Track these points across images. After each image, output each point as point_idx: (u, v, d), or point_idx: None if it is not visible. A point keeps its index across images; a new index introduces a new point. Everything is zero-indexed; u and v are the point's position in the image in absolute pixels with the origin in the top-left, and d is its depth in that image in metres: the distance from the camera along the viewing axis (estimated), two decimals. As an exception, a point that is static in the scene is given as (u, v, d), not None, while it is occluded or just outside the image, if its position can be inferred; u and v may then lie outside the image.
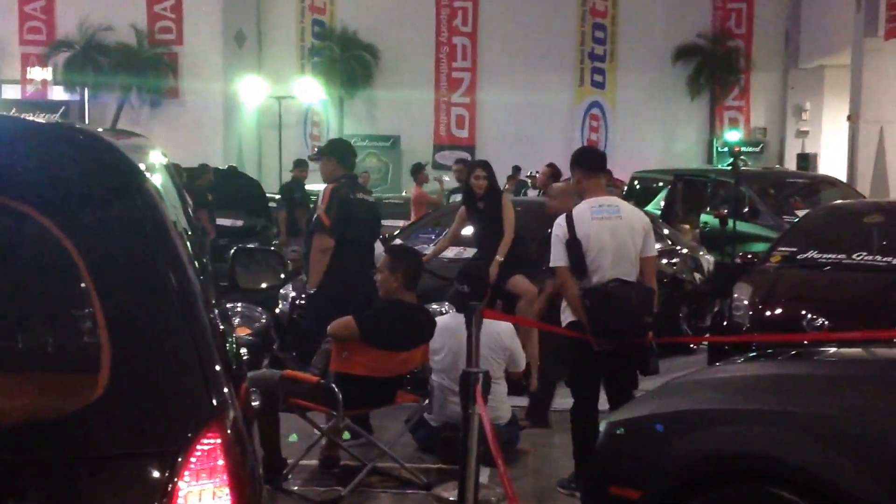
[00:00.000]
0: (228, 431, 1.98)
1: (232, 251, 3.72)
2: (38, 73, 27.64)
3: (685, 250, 10.35)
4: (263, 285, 3.84)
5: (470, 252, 8.31)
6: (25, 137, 2.11)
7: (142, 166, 2.18)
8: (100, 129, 2.36)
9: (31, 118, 2.27)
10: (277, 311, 8.39)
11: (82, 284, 1.96)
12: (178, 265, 2.07)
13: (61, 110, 27.13)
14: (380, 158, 27.99)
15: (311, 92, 27.20)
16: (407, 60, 27.70)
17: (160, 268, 2.03)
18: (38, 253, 2.04)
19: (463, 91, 28.49)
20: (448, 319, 6.35)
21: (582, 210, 5.53)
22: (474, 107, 28.50)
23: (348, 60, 27.40)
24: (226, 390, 2.03)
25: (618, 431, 3.70)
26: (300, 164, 15.12)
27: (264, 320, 6.97)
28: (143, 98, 27.83)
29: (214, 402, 1.99)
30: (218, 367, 2.03)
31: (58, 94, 28.18)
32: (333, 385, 5.39)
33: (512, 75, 27.47)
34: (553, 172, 10.15)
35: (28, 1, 28.12)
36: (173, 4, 28.17)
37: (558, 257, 5.50)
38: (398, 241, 10.21)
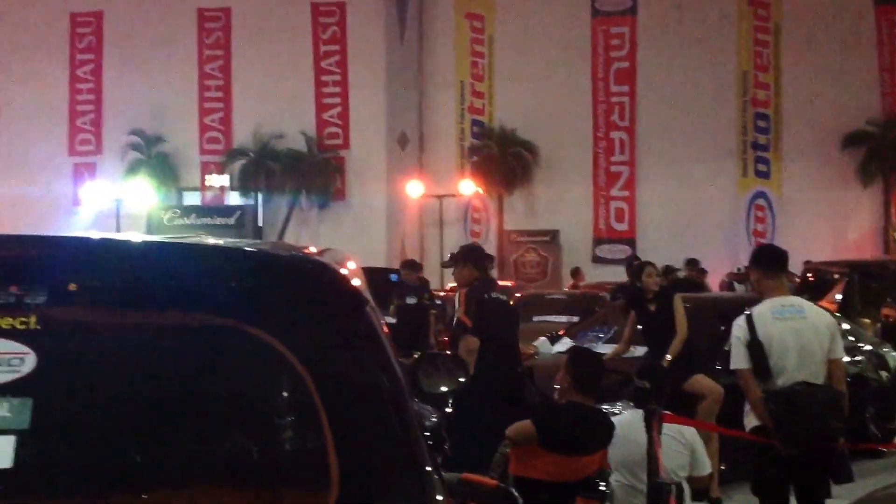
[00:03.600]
0: None
1: (416, 356, 3.81)
2: (217, 180, 29.20)
3: (868, 346, 9.94)
4: (444, 389, 3.89)
5: (639, 350, 8.20)
6: (259, 266, 2.21)
7: (357, 282, 2.28)
8: (313, 249, 2.50)
9: (265, 248, 2.41)
10: (448, 410, 8.44)
11: (310, 402, 2.04)
12: (395, 380, 2.14)
13: (237, 214, 28.63)
14: (539, 253, 28.08)
15: (470, 190, 27.70)
16: (564, 156, 27.93)
17: (381, 385, 2.10)
18: (266, 373, 2.12)
19: (621, 184, 28.44)
20: (626, 417, 6.26)
21: (762, 310, 5.42)
22: (633, 200, 28.36)
23: (507, 158, 27.83)
24: (440, 497, 2.09)
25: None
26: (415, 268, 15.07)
27: (435, 419, 7.02)
28: (311, 200, 28.97)
29: None
30: (435, 478, 2.10)
31: (234, 199, 29.66)
32: (513, 490, 5.39)
33: (671, 167, 27.27)
34: None
35: (207, 113, 29.94)
36: (340, 111, 29.46)
37: (739, 359, 5.40)
38: (566, 340, 10.17)
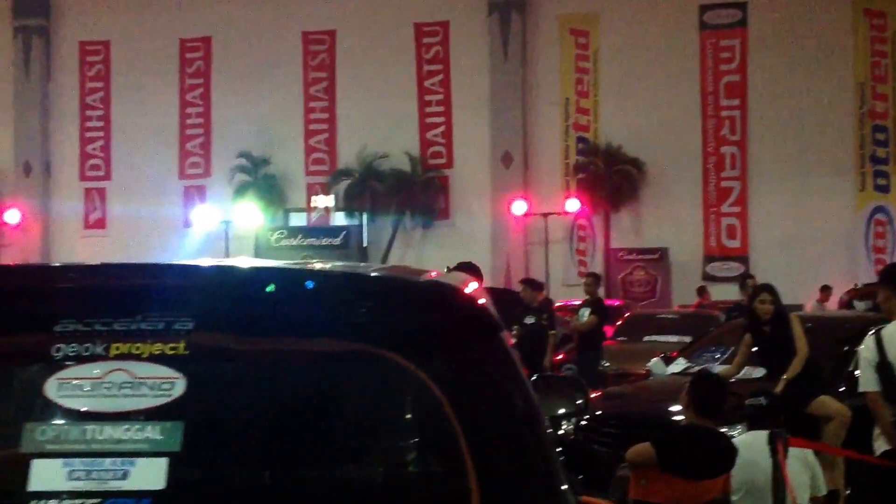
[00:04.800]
0: None
1: (532, 378, 3.66)
2: (322, 201, 29.58)
3: None
4: (561, 411, 3.79)
5: (755, 371, 7.96)
6: (397, 291, 2.25)
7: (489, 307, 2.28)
8: (434, 272, 2.50)
9: (400, 273, 2.47)
10: (561, 432, 8.25)
11: (448, 427, 2.03)
12: (531, 403, 2.15)
13: (342, 235, 28.93)
14: (647, 272, 27.58)
15: (576, 207, 27.42)
16: (673, 172, 27.41)
17: (519, 407, 2.11)
18: (405, 398, 2.17)
19: (733, 200, 27.74)
20: (746, 439, 5.99)
21: (892, 331, 5.13)
22: (746, 216, 27.63)
23: (613, 175, 27.47)
24: None
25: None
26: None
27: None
28: (415, 220, 29.10)
29: None
30: (572, 499, 2.10)
31: (339, 219, 29.99)
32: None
33: (785, 182, 26.51)
34: None
35: (313, 134, 30.39)
36: (444, 131, 29.55)
37: (868, 381, 5.14)
38: (680, 360, 9.87)
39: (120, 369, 2.01)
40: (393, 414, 2.20)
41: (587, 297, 14.31)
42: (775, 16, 27.18)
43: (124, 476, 1.92)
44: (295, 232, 29.44)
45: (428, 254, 27.44)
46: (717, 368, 8.22)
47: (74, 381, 1.99)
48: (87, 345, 2.02)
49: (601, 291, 15.68)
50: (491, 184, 28.65)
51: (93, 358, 2.02)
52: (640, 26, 27.70)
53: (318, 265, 2.44)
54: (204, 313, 2.06)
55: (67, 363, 2.01)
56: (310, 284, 2.20)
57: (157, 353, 2.01)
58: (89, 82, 31.88)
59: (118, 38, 31.16)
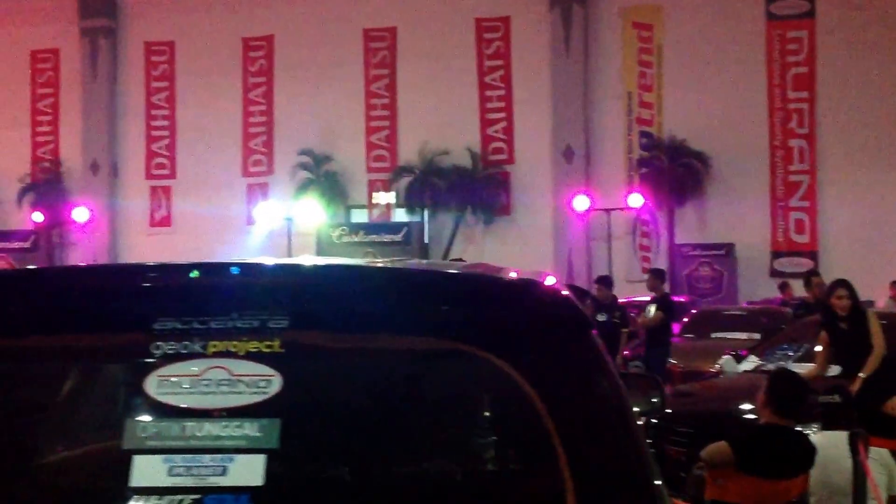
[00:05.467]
0: None
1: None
2: (383, 198, 29.68)
3: None
4: (636, 410, 3.77)
5: (831, 369, 7.81)
6: (488, 290, 2.26)
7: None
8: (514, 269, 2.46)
9: (488, 271, 2.45)
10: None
11: (541, 424, 2.03)
12: (623, 399, 2.16)
13: (403, 231, 29.01)
14: (713, 267, 27.21)
15: (639, 203, 27.15)
16: (739, 166, 26.98)
17: (611, 404, 2.11)
18: (497, 396, 2.18)
19: (801, 194, 27.24)
20: (823, 438, 5.87)
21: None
22: (815, 210, 27.12)
23: (677, 169, 27.15)
24: None
25: None
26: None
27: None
28: (477, 216, 29.05)
29: None
30: (665, 494, 2.09)
31: (400, 215, 30.07)
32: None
33: (855, 175, 25.94)
34: None
35: (374, 131, 30.51)
36: (505, 126, 29.46)
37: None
38: (752, 358, 9.72)
39: (218, 367, 2.03)
40: (485, 411, 2.21)
41: (652, 293, 14.18)
42: (844, 6, 26.63)
43: (223, 472, 1.94)
44: (356, 229, 29.58)
45: (489, 250, 27.37)
46: (798, 368, 8.07)
47: (173, 379, 2.02)
48: (185, 343, 2.05)
49: (666, 287, 15.45)
50: (552, 179, 28.48)
51: (191, 356, 2.04)
52: (705, 18, 27.33)
53: (413, 263, 2.45)
54: (298, 311, 2.08)
55: (166, 361, 2.04)
56: (402, 283, 2.24)
57: (254, 350, 2.03)
58: (154, 82, 32.36)
59: (182, 39, 31.58)
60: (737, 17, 27.26)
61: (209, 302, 2.09)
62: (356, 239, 28.52)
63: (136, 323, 2.08)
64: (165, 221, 32.26)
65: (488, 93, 29.55)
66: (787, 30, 27.31)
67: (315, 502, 2.02)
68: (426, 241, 29.22)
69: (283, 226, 28.79)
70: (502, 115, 29.49)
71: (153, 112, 32.43)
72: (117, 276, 2.21)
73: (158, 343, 2.05)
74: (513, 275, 2.39)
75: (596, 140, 28.80)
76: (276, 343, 2.04)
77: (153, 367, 2.03)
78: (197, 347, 2.04)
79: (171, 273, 2.22)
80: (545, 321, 2.14)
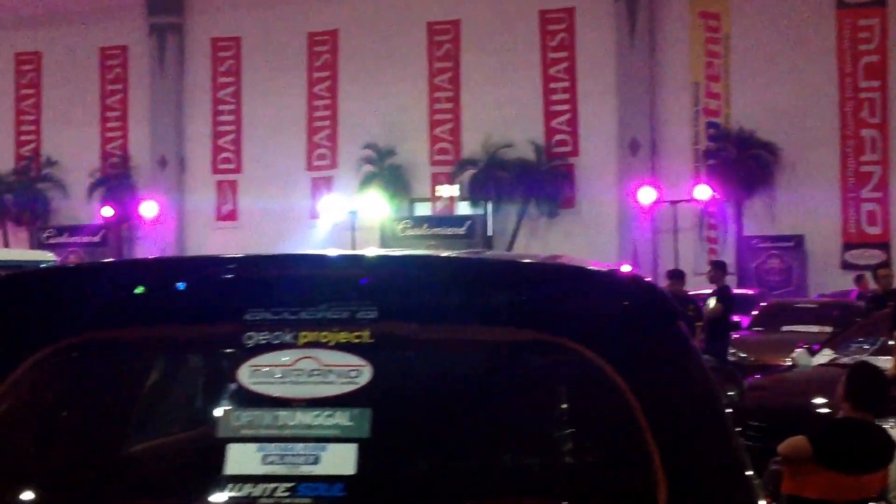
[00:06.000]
0: None
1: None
2: (447, 191, 29.73)
3: None
4: None
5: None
6: (578, 281, 2.26)
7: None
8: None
9: (583, 265, 2.44)
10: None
11: (631, 415, 2.02)
12: (713, 390, 2.13)
13: (467, 224, 29.02)
14: (782, 259, 26.78)
15: (706, 195, 26.81)
16: (809, 157, 26.48)
17: (701, 396, 2.09)
18: (586, 387, 2.15)
19: (873, 185, 26.67)
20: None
21: None
22: (887, 201, 26.52)
23: (746, 160, 26.74)
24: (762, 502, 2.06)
25: None
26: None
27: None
28: (541, 209, 28.95)
29: None
30: (756, 482, 2.06)
31: (463, 209, 30.08)
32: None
33: (929, 166, 25.37)
34: None
35: (437, 125, 30.55)
36: (569, 119, 29.30)
37: None
38: (826, 351, 9.55)
39: (308, 357, 2.05)
40: (574, 403, 2.20)
41: (712, 285, 14.13)
42: (917, -8, 26.02)
43: (316, 461, 1.95)
44: (420, 222, 29.66)
45: (553, 243, 27.26)
46: (874, 361, 7.89)
47: (265, 369, 2.04)
48: (276, 333, 2.07)
49: (730, 280, 15.31)
50: (617, 171, 28.27)
51: (282, 346, 2.06)
52: (774, 6, 26.88)
53: (503, 257, 2.44)
54: (387, 302, 2.09)
55: (258, 351, 2.05)
56: (490, 274, 2.24)
57: (344, 341, 2.05)
58: (221, 77, 32.79)
59: (248, 34, 31.93)
60: (806, 4, 26.78)
61: (300, 293, 2.10)
62: (420, 232, 28.60)
63: (229, 314, 2.10)
64: (231, 216, 32.68)
65: (552, 85, 29.40)
66: (857, 18, 26.74)
67: (405, 491, 2.02)
68: (489, 234, 29.17)
69: (346, 219, 28.97)
70: (566, 107, 29.32)
71: (219, 107, 32.85)
72: (210, 267, 2.24)
73: (250, 333, 2.07)
74: (598, 266, 2.38)
75: (661, 131, 28.50)
76: (366, 334, 2.06)
77: (245, 357, 2.05)
78: (287, 338, 2.06)
79: (262, 264, 2.24)
80: (636, 311, 2.12)
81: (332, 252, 2.27)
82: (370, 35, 30.29)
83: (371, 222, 28.93)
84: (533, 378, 2.19)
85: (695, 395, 2.09)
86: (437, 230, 28.57)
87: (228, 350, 2.09)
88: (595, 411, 2.16)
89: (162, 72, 32.71)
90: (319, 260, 2.24)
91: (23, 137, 34.33)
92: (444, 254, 2.45)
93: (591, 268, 2.35)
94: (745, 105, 27.13)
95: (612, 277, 2.29)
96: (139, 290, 2.16)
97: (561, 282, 2.22)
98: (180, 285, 2.17)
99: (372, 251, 2.51)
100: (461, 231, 28.52)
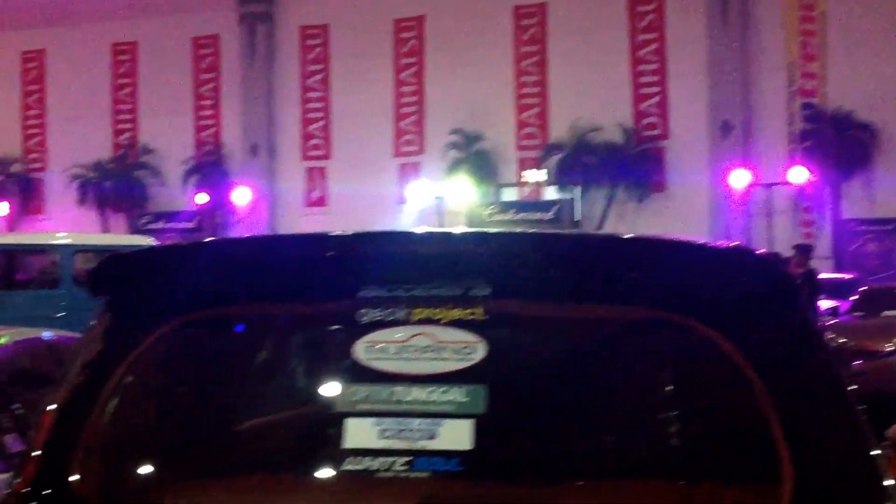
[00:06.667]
0: None
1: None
2: (534, 175, 29.59)
3: None
4: None
5: None
6: (701, 258, 2.21)
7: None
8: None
9: (705, 242, 2.38)
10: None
11: (754, 396, 1.98)
12: (837, 372, 2.08)
13: (554, 209, 28.87)
14: (882, 243, 26.02)
15: (802, 177, 26.17)
16: (910, 136, 25.69)
17: (827, 376, 2.05)
18: (707, 366, 2.10)
19: (979, 167, 25.73)
20: None
21: None
22: None
23: (843, 141, 26.03)
24: (889, 482, 2.00)
25: None
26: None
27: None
28: (629, 193, 28.64)
29: None
30: (882, 463, 2.00)
31: (550, 193, 29.92)
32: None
33: None
34: None
35: (524, 109, 30.42)
36: (658, 101, 28.88)
37: None
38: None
39: (422, 333, 2.05)
40: (692, 383, 2.14)
41: (798, 269, 13.80)
42: None
43: (432, 436, 1.96)
44: (507, 207, 29.61)
45: (642, 227, 26.93)
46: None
47: (380, 345, 2.05)
48: (390, 310, 2.08)
49: (826, 264, 14.91)
50: (709, 154, 27.80)
51: (395, 323, 2.07)
52: (873, -17, 26.07)
53: (622, 234, 2.41)
54: (501, 280, 2.09)
55: (372, 328, 2.07)
56: (607, 252, 2.22)
57: (457, 318, 2.05)
58: (310, 65, 33.17)
59: (336, 22, 32.23)
60: (907, -22, 25.92)
61: (413, 270, 2.11)
62: (506, 217, 28.57)
63: (343, 291, 2.12)
64: (320, 201, 33.08)
65: (641, 67, 29.02)
66: (961, -10, 25.79)
67: (521, 468, 2.02)
68: (577, 219, 28.98)
69: (433, 204, 29.08)
70: (656, 89, 28.91)
71: (308, 94, 33.25)
72: (325, 244, 2.25)
73: (364, 310, 2.08)
74: (716, 243, 2.33)
75: (755, 113, 27.93)
76: (480, 311, 2.06)
77: (359, 333, 2.06)
78: (401, 315, 2.07)
79: (376, 241, 2.25)
80: (760, 289, 2.07)
81: (446, 229, 2.29)
82: (456, 20, 30.27)
83: (457, 208, 28.99)
84: (650, 357, 2.15)
85: (821, 373, 2.04)
86: (523, 215, 28.50)
87: (342, 327, 2.11)
88: (714, 391, 2.11)
89: (252, 60, 33.24)
90: (433, 237, 2.23)
91: (120, 126, 35.26)
92: (558, 231, 2.43)
93: (714, 244, 2.31)
94: (842, 85, 26.36)
95: (735, 254, 2.24)
96: (257, 267, 2.19)
97: (681, 259, 2.17)
98: (297, 263, 2.19)
99: (482, 229, 2.51)
100: (548, 216, 28.40)
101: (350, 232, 2.23)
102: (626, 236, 2.32)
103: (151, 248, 2.36)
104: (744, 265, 2.15)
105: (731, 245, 2.31)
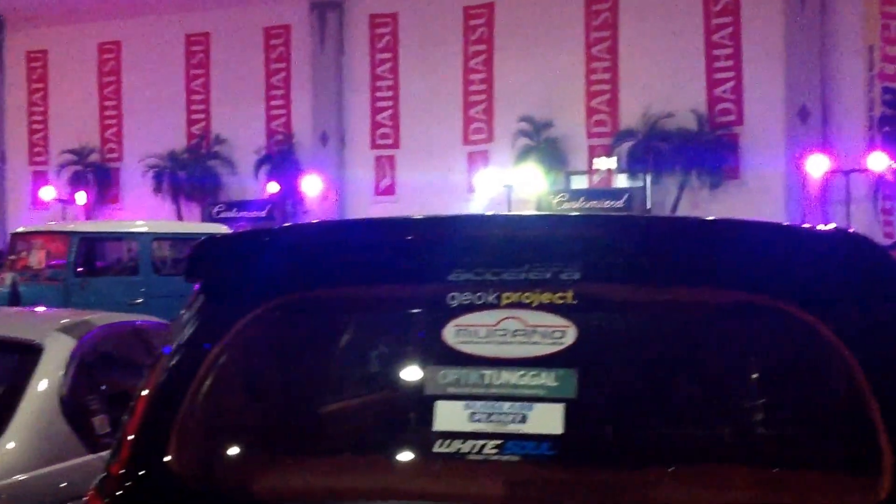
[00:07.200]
0: None
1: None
2: (604, 163, 29.31)
3: None
4: None
5: None
6: (800, 242, 2.19)
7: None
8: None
9: (804, 225, 2.35)
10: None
11: (854, 384, 1.94)
12: None
13: (625, 197, 28.60)
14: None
15: (882, 164, 25.53)
16: None
17: None
18: (805, 353, 2.08)
19: None
20: None
21: None
22: None
23: (925, 127, 25.36)
24: None
25: None
26: None
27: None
28: (702, 180, 28.22)
29: None
30: None
31: (621, 181, 29.64)
32: None
33: None
34: None
35: (594, 96, 30.14)
36: (733, 86, 28.39)
37: None
38: None
39: (512, 317, 2.05)
40: (787, 368, 2.12)
41: None
42: None
43: (523, 420, 1.97)
44: (576, 195, 29.39)
45: (716, 214, 26.45)
46: None
47: (470, 328, 2.05)
48: (479, 293, 2.08)
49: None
50: (785, 140, 27.22)
51: (485, 306, 2.07)
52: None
53: (712, 218, 2.38)
54: (591, 264, 2.08)
55: (461, 311, 2.07)
56: (701, 235, 2.20)
57: (547, 302, 2.05)
58: (379, 54, 33.26)
59: (405, 10, 32.27)
60: None
61: (501, 254, 2.11)
62: (576, 206, 28.35)
63: (433, 274, 2.13)
64: (389, 190, 33.20)
65: (716, 52, 28.53)
66: None
67: (610, 452, 2.03)
68: (648, 206, 28.67)
69: (502, 193, 28.99)
70: (731, 74, 28.41)
71: (378, 83, 33.35)
72: (416, 228, 2.27)
73: (453, 294, 2.08)
74: (817, 227, 2.30)
75: (833, 98, 27.28)
76: (569, 295, 2.05)
77: (449, 317, 2.07)
78: (491, 298, 2.07)
79: (467, 225, 2.26)
80: (860, 274, 2.04)
81: (535, 213, 2.29)
82: (526, 7, 30.10)
83: (527, 196, 28.85)
84: (744, 341, 2.12)
85: None
86: (593, 203, 28.25)
87: (432, 310, 2.12)
88: (811, 378, 2.08)
89: (322, 49, 33.44)
90: (522, 221, 2.25)
91: (193, 116, 35.80)
92: (649, 215, 2.41)
93: (814, 227, 2.28)
94: (925, 68, 25.68)
95: (837, 239, 2.19)
96: (350, 251, 2.21)
97: (779, 243, 2.14)
98: (388, 246, 2.21)
99: (577, 212, 2.49)
100: (619, 204, 28.11)
101: (440, 216, 2.23)
102: (720, 219, 2.29)
103: (244, 232, 2.39)
104: (844, 249, 2.10)
105: (831, 228, 2.27)
